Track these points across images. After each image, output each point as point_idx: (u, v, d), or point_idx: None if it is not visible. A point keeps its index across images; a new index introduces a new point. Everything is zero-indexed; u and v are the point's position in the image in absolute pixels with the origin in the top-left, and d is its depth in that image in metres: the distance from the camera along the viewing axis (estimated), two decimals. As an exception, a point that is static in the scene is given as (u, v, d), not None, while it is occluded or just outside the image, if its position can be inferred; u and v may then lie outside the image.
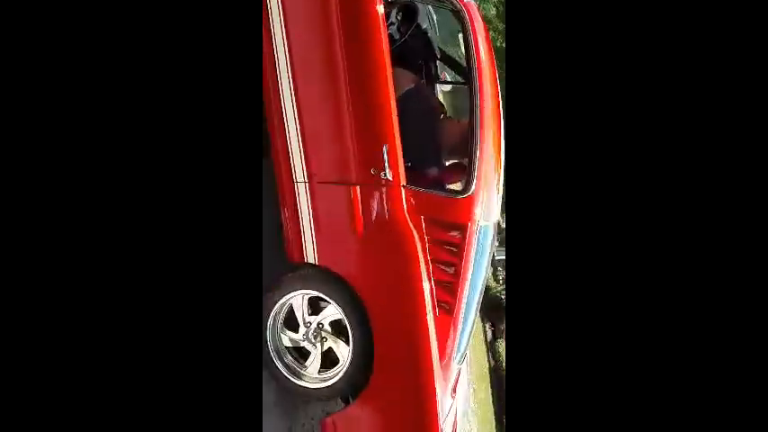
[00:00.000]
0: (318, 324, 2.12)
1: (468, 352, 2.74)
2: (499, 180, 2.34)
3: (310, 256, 2.07)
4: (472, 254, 2.12)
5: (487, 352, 10.93)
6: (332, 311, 2.09)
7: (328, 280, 2.06)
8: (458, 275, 2.10)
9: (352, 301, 2.04)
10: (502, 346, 11.25)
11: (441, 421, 2.02)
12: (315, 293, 2.09)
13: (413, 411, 2.03)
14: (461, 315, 2.14)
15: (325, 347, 2.13)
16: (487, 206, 2.22)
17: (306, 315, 2.13)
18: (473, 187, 2.08)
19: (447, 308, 2.09)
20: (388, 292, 2.04)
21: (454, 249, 2.10)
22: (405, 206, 2.02)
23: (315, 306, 2.16)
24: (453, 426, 2.46)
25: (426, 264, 2.03)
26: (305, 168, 2.04)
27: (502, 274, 12.86)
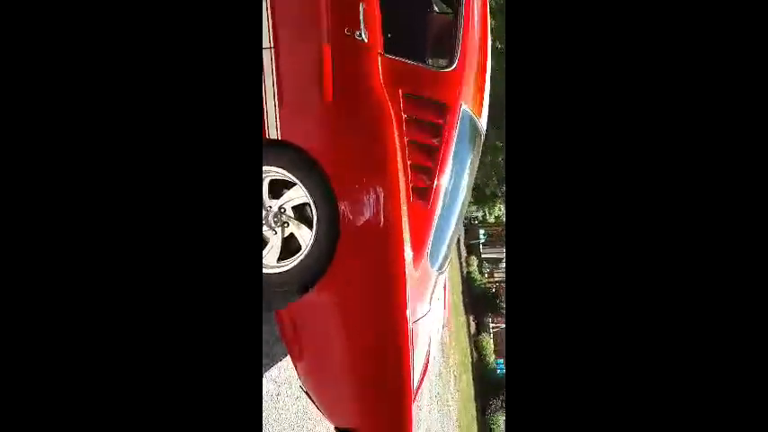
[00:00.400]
0: (280, 208, 1.89)
1: (447, 268, 2.52)
2: (483, 88, 2.16)
3: (272, 130, 1.85)
4: (455, 139, 1.92)
5: (471, 345, 10.71)
6: (295, 194, 1.87)
7: (292, 157, 1.83)
8: (437, 162, 1.89)
9: (317, 181, 1.81)
10: (486, 339, 11.06)
11: (409, 321, 1.79)
12: (277, 173, 1.86)
13: (378, 303, 1.79)
14: (439, 206, 1.93)
15: (287, 234, 1.90)
16: (473, 93, 2.02)
17: (266, 198, 1.90)
18: (456, 62, 1.88)
19: (423, 196, 1.88)
20: (357, 170, 1.81)
21: (435, 132, 1.89)
22: (381, 76, 1.81)
23: (275, 192, 1.93)
24: (428, 345, 2.24)
25: (402, 143, 1.81)
26: (271, 30, 1.82)
27: (488, 269, 12.72)
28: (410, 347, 1.75)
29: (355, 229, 1.79)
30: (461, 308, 10.58)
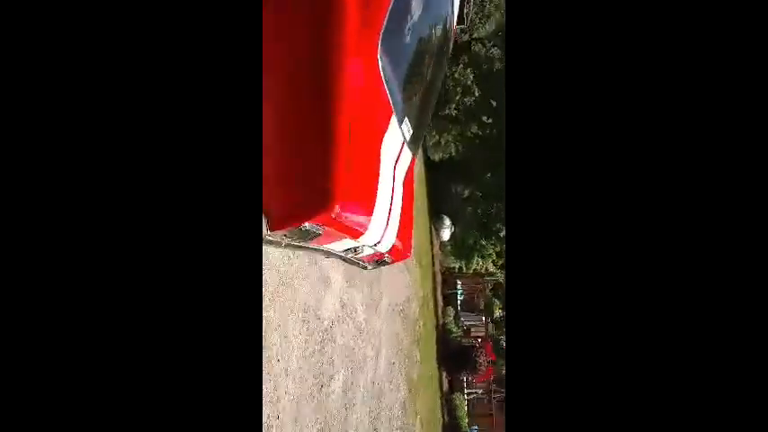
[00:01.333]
0: None
1: (415, 150, 1.90)
2: None
3: None
4: None
5: (442, 406, 9.44)
6: None
7: None
8: None
9: None
10: (460, 399, 9.81)
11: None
12: None
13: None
14: None
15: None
16: None
17: None
18: None
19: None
20: None
21: None
22: None
23: None
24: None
25: None
26: None
27: (464, 325, 11.74)
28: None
29: None
30: (434, 360, 9.46)
